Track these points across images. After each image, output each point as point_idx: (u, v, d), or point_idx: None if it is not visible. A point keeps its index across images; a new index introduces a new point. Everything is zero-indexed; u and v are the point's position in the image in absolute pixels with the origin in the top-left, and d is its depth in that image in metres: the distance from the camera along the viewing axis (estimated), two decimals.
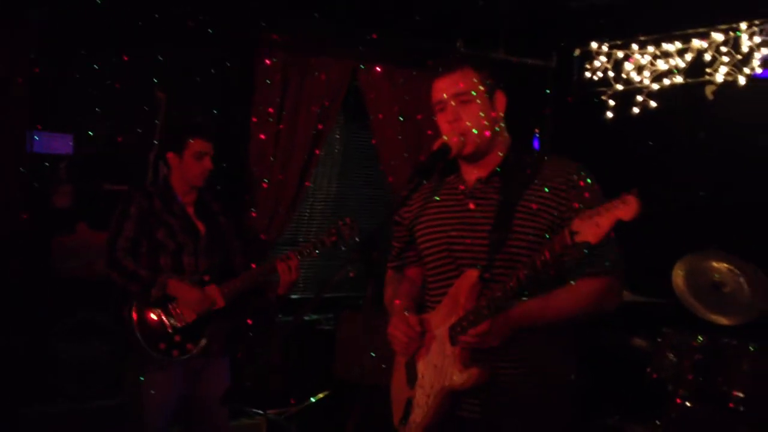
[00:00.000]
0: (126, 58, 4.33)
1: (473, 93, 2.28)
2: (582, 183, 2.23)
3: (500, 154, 2.35)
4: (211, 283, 3.57)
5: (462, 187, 2.36)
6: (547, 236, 2.20)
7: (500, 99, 2.35)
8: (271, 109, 4.79)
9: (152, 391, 3.43)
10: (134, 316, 3.44)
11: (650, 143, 4.99)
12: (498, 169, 2.33)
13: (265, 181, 4.77)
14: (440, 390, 2.22)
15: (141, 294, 3.43)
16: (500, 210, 2.25)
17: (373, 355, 4.06)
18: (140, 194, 3.56)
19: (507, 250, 2.21)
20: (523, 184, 2.26)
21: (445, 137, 2.28)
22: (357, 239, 3.78)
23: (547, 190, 2.24)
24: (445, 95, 2.30)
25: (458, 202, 2.35)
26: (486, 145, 2.31)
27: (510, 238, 2.21)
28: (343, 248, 3.81)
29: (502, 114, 2.36)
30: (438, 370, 2.25)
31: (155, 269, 3.47)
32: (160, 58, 4.41)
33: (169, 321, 3.47)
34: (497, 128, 2.34)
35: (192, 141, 3.57)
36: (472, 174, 2.36)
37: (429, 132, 5.17)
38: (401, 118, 5.27)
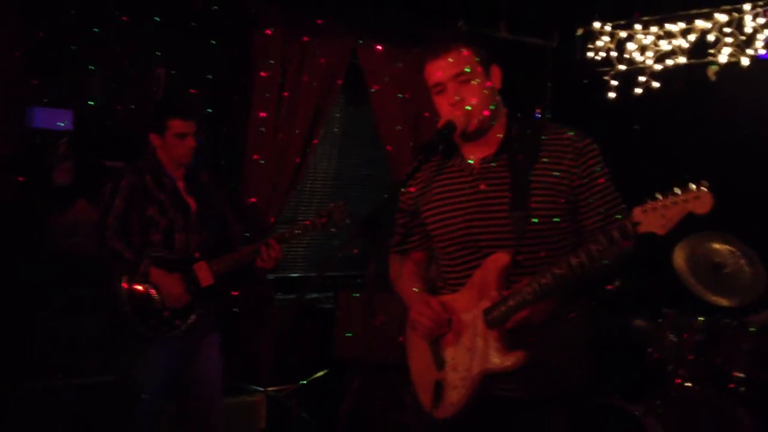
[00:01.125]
0: (125, 35, 4.30)
1: (471, 71, 2.26)
2: (584, 147, 2.26)
3: (501, 130, 2.34)
4: (202, 259, 3.57)
5: (468, 170, 2.34)
6: (566, 206, 2.21)
7: (495, 73, 2.34)
8: (270, 89, 4.77)
9: (142, 367, 3.44)
10: (124, 291, 3.44)
11: (636, 127, 4.99)
12: (503, 144, 2.31)
13: (262, 162, 4.75)
14: (479, 372, 2.20)
15: (126, 271, 3.43)
16: (514, 188, 2.23)
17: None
18: (131, 170, 3.55)
19: (530, 228, 2.20)
20: (532, 158, 2.25)
21: (451, 117, 2.25)
22: (348, 222, 3.77)
23: (554, 161, 2.24)
24: (443, 77, 2.27)
25: (468, 184, 2.32)
26: (488, 121, 2.30)
27: (531, 216, 2.20)
28: (333, 230, 3.80)
29: (498, 87, 2.35)
30: (473, 353, 2.22)
31: (146, 245, 3.47)
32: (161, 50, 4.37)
33: (158, 298, 3.46)
34: (495, 103, 2.33)
35: (172, 121, 3.57)
36: (475, 153, 2.34)
37: (427, 114, 5.16)
38: (401, 96, 5.24)
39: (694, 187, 1.89)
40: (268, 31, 4.75)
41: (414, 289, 2.43)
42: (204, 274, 3.56)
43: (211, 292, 3.59)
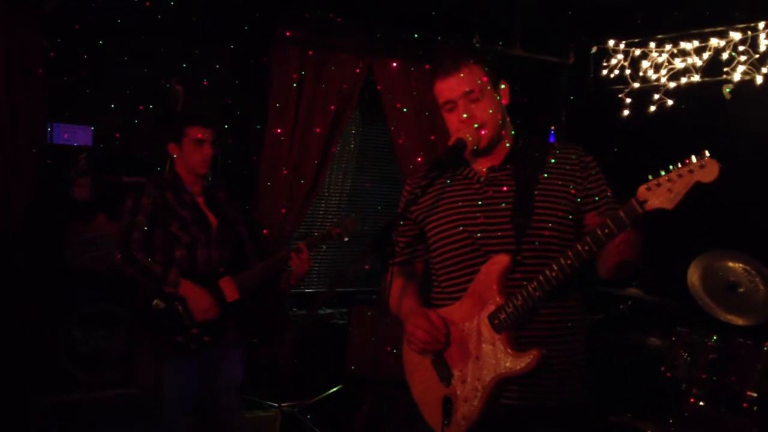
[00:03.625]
0: (143, 51, 4.37)
1: (482, 89, 2.30)
2: (590, 161, 2.33)
3: (508, 142, 2.39)
4: (226, 274, 3.59)
5: (476, 177, 2.37)
6: (570, 217, 2.25)
7: (505, 88, 2.39)
8: (287, 104, 4.81)
9: (170, 383, 3.45)
10: (154, 309, 3.45)
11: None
12: (508, 156, 2.36)
13: (277, 179, 4.79)
14: (492, 379, 2.18)
15: (155, 288, 3.44)
16: (519, 194, 2.27)
17: (394, 351, 4.10)
18: (152, 186, 3.57)
19: (533, 233, 2.23)
20: (537, 167, 2.30)
21: (461, 135, 2.28)
22: (359, 229, 3.84)
23: (559, 172, 2.30)
24: (453, 95, 2.31)
25: (475, 191, 2.36)
26: (497, 137, 2.35)
27: (533, 221, 2.23)
28: (346, 239, 3.84)
29: (506, 103, 2.39)
30: (482, 360, 2.21)
31: (170, 262, 3.48)
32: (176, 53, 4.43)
33: (186, 314, 3.47)
34: (504, 118, 2.38)
35: (189, 129, 3.62)
36: (483, 164, 2.38)
37: (441, 130, 5.18)
38: (416, 113, 5.27)
39: (695, 157, 1.88)
40: (285, 48, 4.80)
41: (406, 303, 2.43)
42: (230, 289, 3.57)
43: (237, 306, 3.60)
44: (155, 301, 3.44)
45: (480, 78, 2.30)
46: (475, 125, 2.28)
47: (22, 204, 4.05)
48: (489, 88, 2.32)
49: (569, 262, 2.07)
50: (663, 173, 1.92)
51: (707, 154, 1.87)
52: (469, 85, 2.29)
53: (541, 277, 2.12)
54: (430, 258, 2.49)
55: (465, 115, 2.29)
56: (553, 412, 2.23)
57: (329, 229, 3.83)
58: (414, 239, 2.53)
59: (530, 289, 2.14)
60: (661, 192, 1.89)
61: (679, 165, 1.90)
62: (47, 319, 4.02)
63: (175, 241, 3.51)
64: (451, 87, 2.31)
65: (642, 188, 1.93)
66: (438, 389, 2.31)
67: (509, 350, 2.17)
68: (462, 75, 2.29)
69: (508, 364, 2.17)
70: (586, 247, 2.03)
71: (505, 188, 2.31)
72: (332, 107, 4.97)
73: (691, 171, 1.88)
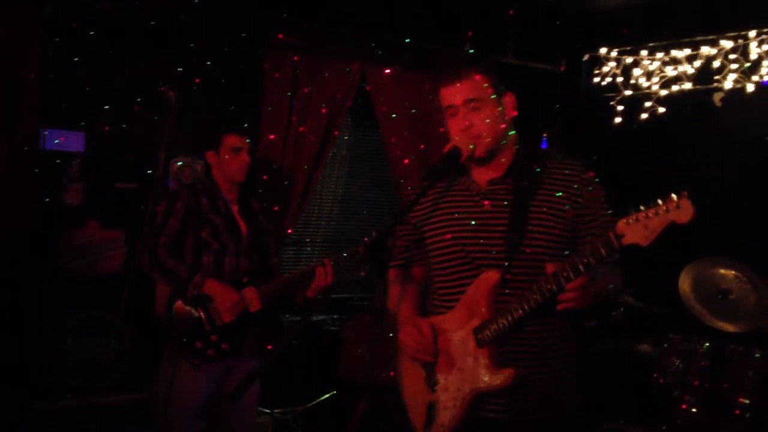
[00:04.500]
0: (136, 57, 4.36)
1: (484, 99, 2.31)
2: (590, 179, 2.32)
3: (510, 155, 2.39)
4: (250, 284, 3.58)
5: (475, 189, 2.38)
6: (564, 235, 2.26)
7: (509, 100, 2.39)
8: (280, 110, 4.82)
9: (184, 388, 3.45)
10: (174, 312, 3.47)
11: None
12: (509, 169, 2.36)
13: (270, 184, 4.79)
14: (470, 392, 2.23)
15: (178, 292, 3.47)
16: (515, 210, 2.28)
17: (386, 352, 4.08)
18: (187, 191, 3.62)
19: (524, 249, 2.24)
20: (535, 183, 2.30)
21: (456, 140, 2.30)
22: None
23: (558, 190, 2.29)
24: (455, 101, 2.32)
25: (474, 203, 2.36)
26: (497, 147, 2.34)
27: (526, 238, 2.24)
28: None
29: (511, 115, 2.39)
30: (464, 372, 2.25)
31: (197, 268, 3.51)
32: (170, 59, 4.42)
33: (207, 320, 3.48)
34: (507, 130, 2.38)
35: (227, 137, 3.68)
36: (483, 175, 2.39)
37: (441, 130, 5.19)
38: (409, 120, 5.28)
39: (675, 197, 1.90)
40: (279, 55, 4.80)
41: (402, 309, 2.48)
42: (253, 299, 3.56)
43: (258, 316, 3.59)
44: (177, 304, 3.46)
45: (483, 88, 2.31)
46: (475, 134, 2.29)
47: (15, 210, 4.02)
48: (492, 98, 2.32)
49: (549, 286, 2.09)
50: (642, 209, 1.95)
51: (685, 195, 1.89)
52: (472, 93, 2.30)
53: (523, 299, 2.15)
54: (428, 263, 2.51)
55: (467, 123, 2.30)
56: (537, 426, 2.25)
57: (358, 248, 3.80)
58: (413, 244, 2.55)
59: (511, 309, 2.17)
60: (637, 228, 1.92)
61: (659, 202, 1.93)
62: (40, 325, 4.00)
63: (205, 248, 3.54)
64: (453, 93, 2.32)
65: (621, 222, 1.95)
66: (424, 394, 2.36)
67: (488, 366, 2.21)
68: (466, 83, 2.30)
69: (486, 379, 2.21)
70: (564, 274, 2.05)
71: (502, 203, 2.32)
72: (325, 113, 4.96)
73: (667, 210, 1.90)
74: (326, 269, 3.60)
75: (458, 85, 2.31)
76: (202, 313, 3.48)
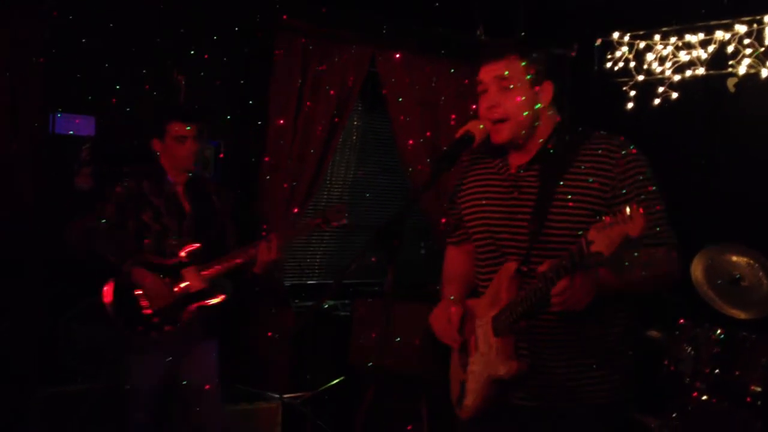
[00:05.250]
0: (145, 41, 4.35)
1: (515, 80, 2.25)
2: (628, 156, 2.20)
3: (541, 140, 2.32)
4: (191, 264, 3.54)
5: (506, 173, 2.35)
6: (590, 222, 2.14)
7: (547, 89, 2.30)
8: (289, 95, 4.80)
9: (136, 374, 3.44)
10: (112, 297, 3.45)
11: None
12: (538, 154, 2.30)
13: (280, 169, 4.78)
14: (486, 378, 2.26)
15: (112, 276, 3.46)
16: (539, 199, 2.24)
17: (398, 339, 4.11)
18: (129, 176, 3.56)
19: (542, 240, 2.21)
20: (563, 170, 2.23)
21: (471, 127, 2.27)
22: (344, 222, 3.68)
23: (588, 173, 2.21)
24: (486, 78, 2.29)
25: (504, 189, 2.34)
26: (523, 134, 2.28)
27: (546, 227, 2.21)
28: (326, 229, 3.79)
29: (547, 104, 2.31)
30: (483, 358, 2.28)
31: (138, 250, 3.48)
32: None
33: (147, 302, 3.45)
34: (538, 118, 2.30)
35: (171, 125, 3.57)
36: (515, 160, 2.35)
37: (452, 115, 5.19)
38: (419, 105, 5.26)
39: (627, 209, 1.85)
40: (288, 39, 4.78)
41: (444, 288, 2.54)
42: (193, 279, 3.53)
43: (202, 297, 3.56)
44: (108, 290, 3.45)
45: (518, 70, 2.25)
46: (499, 116, 2.25)
47: (25, 194, 4.03)
48: (526, 83, 2.25)
49: (550, 275, 2.04)
50: (608, 217, 1.89)
51: (635, 207, 1.84)
52: (504, 74, 2.25)
53: (529, 288, 2.13)
54: None
55: (493, 103, 2.26)
56: (562, 415, 2.24)
57: (308, 221, 3.78)
58: (460, 221, 2.54)
59: (519, 298, 2.17)
60: (603, 236, 1.87)
61: (620, 211, 1.87)
62: (48, 310, 4.01)
63: (146, 230, 3.51)
64: (486, 70, 2.29)
65: (593, 228, 1.90)
66: (459, 372, 2.42)
67: (499, 355, 2.23)
68: (502, 64, 2.26)
69: (495, 368, 2.23)
70: (550, 275, 2.02)
71: (530, 190, 2.28)
72: (335, 98, 4.95)
73: (623, 221, 1.85)
74: (270, 244, 3.54)
75: (495, 64, 2.27)
76: (139, 296, 3.44)
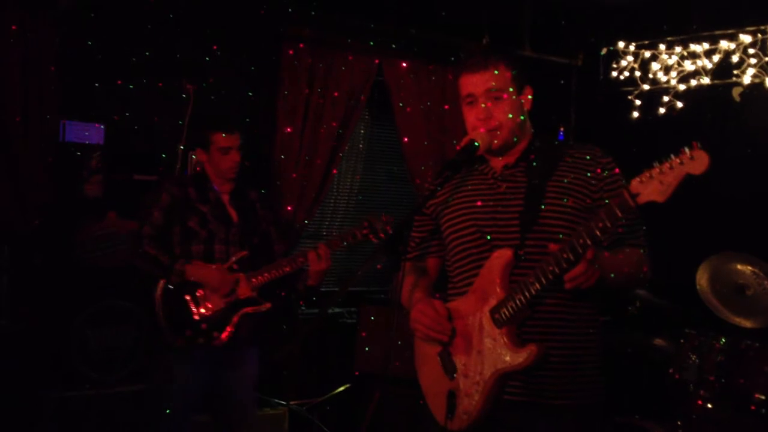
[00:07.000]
0: (155, 50, 4.39)
1: (504, 90, 2.31)
2: (607, 163, 2.30)
3: (525, 144, 2.40)
4: (240, 272, 3.59)
5: (491, 174, 2.39)
6: (579, 214, 2.24)
7: (527, 93, 2.40)
8: (297, 104, 4.83)
9: (177, 378, 3.46)
10: (161, 302, 3.47)
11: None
12: (524, 153, 2.37)
13: (287, 177, 4.81)
14: (492, 374, 2.20)
15: (162, 279, 3.47)
16: (530, 190, 2.28)
17: (399, 343, 4.12)
18: (171, 182, 3.62)
19: (538, 228, 2.24)
20: (551, 165, 2.31)
21: (474, 136, 2.30)
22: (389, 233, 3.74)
23: (573, 172, 2.29)
24: (475, 90, 2.32)
25: (489, 186, 2.37)
26: (513, 139, 2.35)
27: (540, 217, 2.24)
28: (375, 241, 3.82)
29: (528, 108, 2.41)
30: (483, 355, 2.23)
31: (188, 257, 3.51)
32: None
33: (196, 308, 3.48)
34: (524, 123, 2.39)
35: (215, 136, 3.64)
36: (499, 162, 2.40)
37: (459, 124, 5.20)
38: (425, 113, 5.29)
39: (687, 149, 1.87)
40: (296, 48, 4.82)
41: (417, 293, 2.46)
42: (243, 286, 3.58)
43: (249, 304, 3.60)
44: (160, 293, 3.46)
45: (506, 80, 2.32)
46: (491, 125, 2.29)
47: (36, 201, 4.07)
48: (512, 90, 2.33)
49: (564, 255, 2.04)
50: (656, 165, 1.91)
51: (698, 145, 1.86)
52: (494, 83, 2.30)
53: (539, 272, 2.12)
54: (445, 253, 2.50)
55: (485, 114, 2.30)
56: (557, 410, 2.23)
57: (354, 231, 3.81)
58: (429, 234, 2.54)
59: (528, 283, 2.14)
60: (653, 184, 1.89)
61: (672, 157, 1.90)
62: (60, 315, 4.04)
63: (193, 236, 3.54)
64: (475, 82, 2.32)
65: (635, 181, 1.92)
66: (443, 383, 2.33)
67: (509, 345, 2.18)
68: (489, 73, 2.31)
69: (507, 359, 2.18)
70: (581, 240, 2.01)
71: (518, 184, 2.33)
72: (342, 106, 4.98)
73: (681, 163, 1.87)
74: (319, 252, 3.59)
75: (480, 74, 2.31)
76: (191, 301, 3.47)
